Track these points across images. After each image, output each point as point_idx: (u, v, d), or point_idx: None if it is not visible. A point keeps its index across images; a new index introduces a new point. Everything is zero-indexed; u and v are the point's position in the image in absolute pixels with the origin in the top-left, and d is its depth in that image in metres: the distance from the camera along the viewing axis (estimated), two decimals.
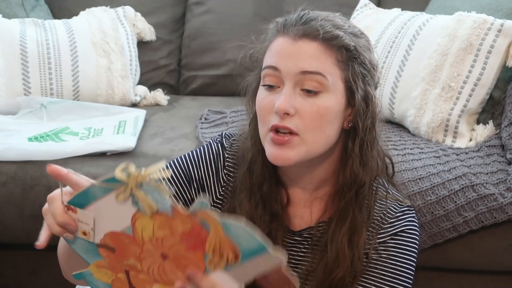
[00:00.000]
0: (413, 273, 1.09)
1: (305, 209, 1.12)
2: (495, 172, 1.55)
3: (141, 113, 1.93)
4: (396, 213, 1.10)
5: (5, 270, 1.78)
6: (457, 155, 1.63)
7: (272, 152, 1.02)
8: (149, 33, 2.25)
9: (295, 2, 2.25)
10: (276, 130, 1.01)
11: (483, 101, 1.73)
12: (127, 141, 1.72)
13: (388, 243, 1.08)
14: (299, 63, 1.00)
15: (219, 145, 1.15)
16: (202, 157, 1.15)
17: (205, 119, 1.92)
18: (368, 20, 2.05)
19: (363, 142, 1.05)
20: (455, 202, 1.49)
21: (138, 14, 2.24)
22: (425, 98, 1.74)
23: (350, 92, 1.03)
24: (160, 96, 2.15)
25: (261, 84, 1.05)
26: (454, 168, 1.55)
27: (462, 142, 1.70)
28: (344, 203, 1.07)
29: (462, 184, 1.50)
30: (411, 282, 1.09)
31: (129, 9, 2.22)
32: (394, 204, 1.11)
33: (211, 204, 1.14)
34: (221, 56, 2.25)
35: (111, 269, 0.88)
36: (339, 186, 1.08)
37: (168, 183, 1.13)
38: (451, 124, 1.71)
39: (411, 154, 1.63)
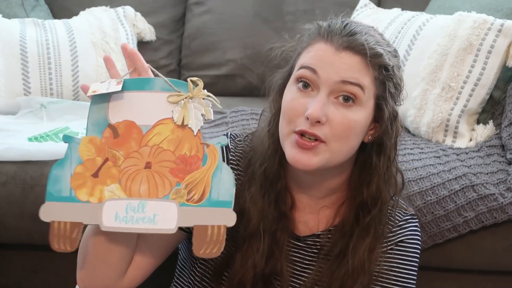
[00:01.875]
0: (415, 281, 1.11)
1: (311, 215, 1.12)
2: (495, 172, 1.55)
3: None
4: (399, 221, 1.11)
5: (5, 270, 1.78)
6: (457, 155, 1.63)
7: (294, 155, 1.01)
8: (149, 33, 2.25)
9: (295, 2, 2.28)
10: (302, 134, 1.01)
11: (483, 101, 1.73)
12: None
13: (390, 253, 1.09)
14: (340, 72, 0.99)
15: (224, 146, 1.15)
16: None
17: (205, 119, 1.92)
18: (368, 20, 2.05)
19: (388, 159, 1.07)
20: (455, 202, 1.49)
21: (138, 14, 2.24)
22: (425, 98, 1.74)
23: (378, 109, 1.04)
24: None
25: (293, 82, 1.04)
26: (454, 168, 1.55)
27: (462, 142, 1.70)
28: (369, 219, 1.07)
29: (462, 184, 1.50)
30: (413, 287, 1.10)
31: (129, 9, 2.22)
32: (398, 212, 1.12)
33: None
34: (221, 56, 2.25)
35: (97, 150, 0.91)
36: (360, 201, 1.08)
37: None
38: (451, 124, 1.71)
39: (411, 154, 1.63)
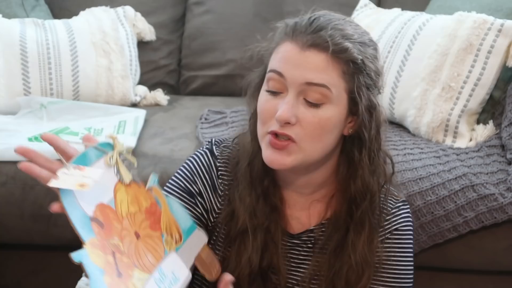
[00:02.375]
0: (412, 267, 1.11)
1: (302, 211, 1.12)
2: (495, 172, 1.55)
3: (141, 113, 1.93)
4: (392, 209, 1.12)
5: (5, 270, 1.78)
6: (457, 155, 1.63)
7: (268, 155, 1.03)
8: (149, 33, 2.25)
9: (295, 2, 2.28)
10: (275, 134, 1.01)
11: (483, 101, 1.73)
12: (127, 141, 1.72)
13: (387, 242, 1.10)
14: (305, 73, 0.99)
15: (209, 154, 1.15)
16: (196, 171, 1.14)
17: (205, 119, 1.92)
18: (368, 20, 2.05)
19: (370, 151, 1.06)
20: (455, 202, 1.49)
21: (138, 14, 2.24)
22: (425, 98, 1.74)
23: (353, 102, 1.03)
24: (160, 96, 2.15)
25: (264, 88, 1.05)
26: (454, 168, 1.55)
27: (462, 142, 1.70)
28: (361, 213, 1.07)
29: (462, 184, 1.50)
30: (412, 274, 1.11)
31: (129, 9, 2.22)
32: (390, 200, 1.12)
33: (213, 216, 1.14)
34: (221, 56, 2.25)
35: (102, 249, 0.89)
36: (349, 195, 1.08)
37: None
38: (451, 124, 1.71)
39: (411, 154, 1.63)
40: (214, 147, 1.15)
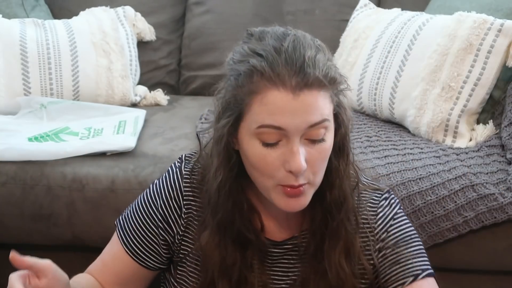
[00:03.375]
0: (420, 239, 1.12)
1: (282, 221, 1.10)
2: (495, 172, 1.55)
3: (141, 113, 1.93)
4: (379, 201, 1.11)
5: (5, 270, 1.78)
6: (457, 155, 1.63)
7: (287, 204, 0.99)
8: (149, 33, 2.25)
9: (295, 2, 2.28)
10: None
11: (483, 101, 1.73)
12: (127, 141, 1.72)
13: (392, 227, 1.09)
14: (307, 118, 0.94)
15: (177, 174, 1.10)
16: (160, 195, 1.11)
17: (205, 119, 1.92)
18: (368, 20, 2.05)
19: (347, 157, 1.04)
20: (455, 202, 1.49)
21: (138, 14, 2.24)
22: (425, 98, 1.74)
23: (336, 117, 1.00)
24: (160, 96, 2.15)
25: (254, 137, 0.96)
26: (454, 168, 1.55)
27: (462, 142, 1.70)
28: (336, 224, 1.06)
29: (462, 184, 1.50)
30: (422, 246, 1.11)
31: (129, 9, 2.22)
32: (375, 194, 1.12)
33: (178, 241, 1.11)
34: (221, 56, 2.21)
35: None
36: (324, 204, 1.05)
37: (140, 231, 1.12)
38: (451, 124, 1.71)
39: (411, 154, 1.63)
40: (184, 163, 1.11)
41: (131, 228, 1.13)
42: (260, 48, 0.96)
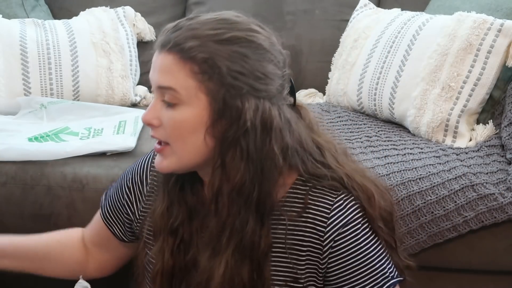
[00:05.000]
0: (378, 242, 1.06)
1: None
2: (495, 172, 1.55)
3: (141, 113, 1.92)
4: (334, 203, 1.05)
5: (5, 270, 1.78)
6: (457, 155, 1.63)
7: (155, 161, 1.08)
8: (149, 33, 2.25)
9: (295, 2, 2.27)
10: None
11: (483, 101, 1.73)
12: (127, 141, 1.72)
13: (341, 236, 1.04)
14: (157, 77, 1.01)
15: (150, 153, 1.22)
16: (132, 169, 1.23)
17: None
18: (368, 20, 2.05)
19: (227, 150, 1.01)
20: (455, 202, 1.49)
21: (138, 14, 2.24)
22: (425, 98, 1.74)
23: (218, 103, 0.99)
24: None
25: None
26: (454, 168, 1.55)
27: (462, 142, 1.70)
28: (225, 213, 1.04)
29: (462, 184, 1.50)
30: (382, 251, 1.07)
31: (129, 9, 2.22)
32: (330, 193, 1.05)
33: (139, 216, 1.20)
34: None
35: None
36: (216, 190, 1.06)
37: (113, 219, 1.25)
38: (451, 124, 1.71)
39: (411, 154, 1.63)
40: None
41: (108, 194, 1.26)
42: None
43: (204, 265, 1.07)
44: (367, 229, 1.06)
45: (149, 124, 1.03)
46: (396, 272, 1.09)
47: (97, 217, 1.28)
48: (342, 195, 1.05)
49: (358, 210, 1.06)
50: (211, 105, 0.99)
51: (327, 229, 1.04)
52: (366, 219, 1.06)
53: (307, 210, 1.05)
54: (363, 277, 1.05)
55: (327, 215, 1.04)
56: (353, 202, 1.06)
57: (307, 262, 1.06)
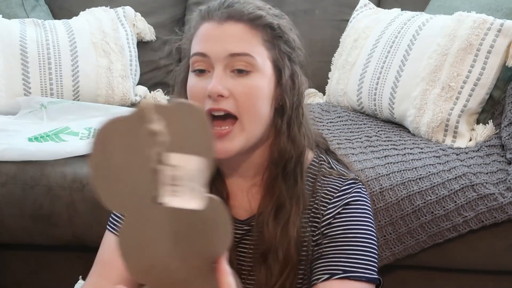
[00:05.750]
0: (374, 237, 1.08)
1: (243, 198, 1.11)
2: (495, 172, 1.55)
3: None
4: (341, 186, 1.09)
5: (5, 270, 1.78)
6: (457, 155, 1.63)
7: (217, 149, 1.00)
8: (149, 33, 2.25)
9: (295, 2, 2.27)
10: (212, 115, 1.00)
11: (483, 101, 1.73)
12: None
13: (340, 215, 1.07)
14: (227, 46, 1.01)
15: None
16: None
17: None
18: (368, 20, 2.05)
19: (290, 118, 1.06)
20: (455, 202, 1.49)
21: (138, 14, 2.24)
22: (425, 98, 1.74)
23: (278, 71, 1.04)
24: (160, 96, 2.15)
25: (190, 70, 1.05)
26: (454, 168, 1.55)
27: (462, 142, 1.70)
28: (271, 180, 1.07)
29: (462, 184, 1.50)
30: (374, 246, 1.07)
31: (129, 9, 2.23)
32: (339, 180, 1.10)
33: None
34: None
35: None
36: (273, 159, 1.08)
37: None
38: (451, 124, 1.71)
39: (411, 154, 1.63)
40: None
41: (117, 216, 1.13)
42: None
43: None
44: (369, 216, 1.10)
45: (220, 94, 0.99)
46: (375, 272, 1.08)
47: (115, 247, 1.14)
48: (350, 180, 1.11)
49: (365, 197, 1.11)
50: (275, 72, 1.04)
51: (329, 206, 1.08)
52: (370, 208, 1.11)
53: (316, 191, 1.10)
54: (343, 252, 1.05)
55: (331, 197, 1.09)
56: (362, 188, 1.11)
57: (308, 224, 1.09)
